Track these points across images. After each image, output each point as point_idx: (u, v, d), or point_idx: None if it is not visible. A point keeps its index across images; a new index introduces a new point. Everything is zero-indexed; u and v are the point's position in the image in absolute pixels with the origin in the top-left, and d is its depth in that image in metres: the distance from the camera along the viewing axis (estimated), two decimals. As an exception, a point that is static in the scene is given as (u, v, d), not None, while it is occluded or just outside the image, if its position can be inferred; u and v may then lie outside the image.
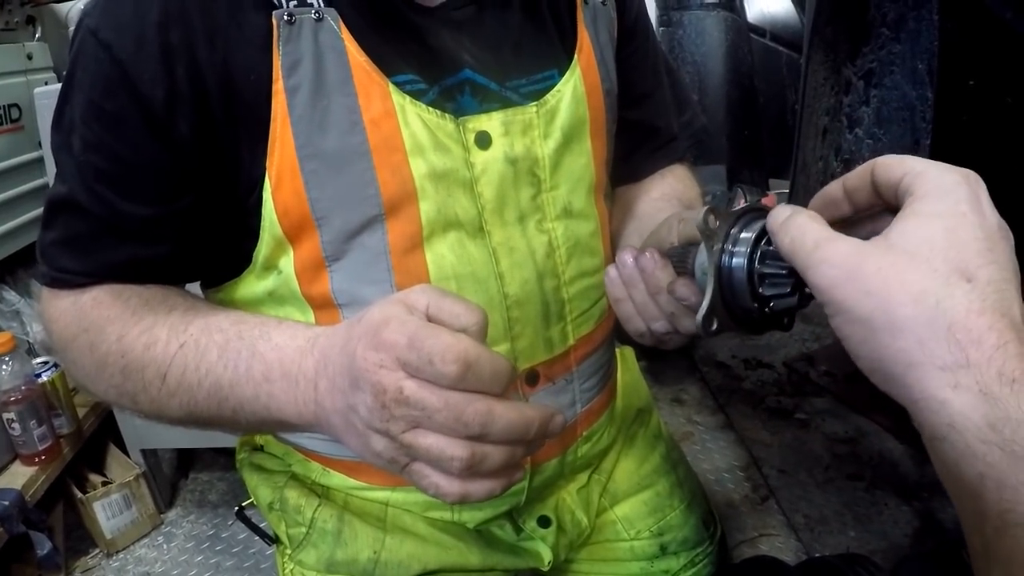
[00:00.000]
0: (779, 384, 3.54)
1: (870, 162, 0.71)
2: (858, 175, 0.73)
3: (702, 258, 0.86)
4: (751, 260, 0.81)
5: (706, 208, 0.82)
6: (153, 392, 0.95)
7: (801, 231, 0.68)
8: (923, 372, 0.58)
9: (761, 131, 2.61)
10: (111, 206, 0.96)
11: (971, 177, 0.65)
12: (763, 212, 0.83)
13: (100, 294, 1.00)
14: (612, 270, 0.99)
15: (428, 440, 0.71)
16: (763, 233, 0.80)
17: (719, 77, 2.60)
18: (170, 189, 0.98)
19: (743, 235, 0.82)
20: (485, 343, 0.74)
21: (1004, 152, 1.54)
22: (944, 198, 0.63)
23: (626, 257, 0.97)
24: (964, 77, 1.51)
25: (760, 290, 0.81)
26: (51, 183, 1.04)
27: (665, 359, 3.76)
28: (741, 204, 2.08)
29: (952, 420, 0.56)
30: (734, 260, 0.82)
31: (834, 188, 0.76)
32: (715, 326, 0.85)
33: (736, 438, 3.19)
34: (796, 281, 0.78)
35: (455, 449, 0.70)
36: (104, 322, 0.98)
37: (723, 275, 0.83)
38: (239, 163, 0.98)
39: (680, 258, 0.93)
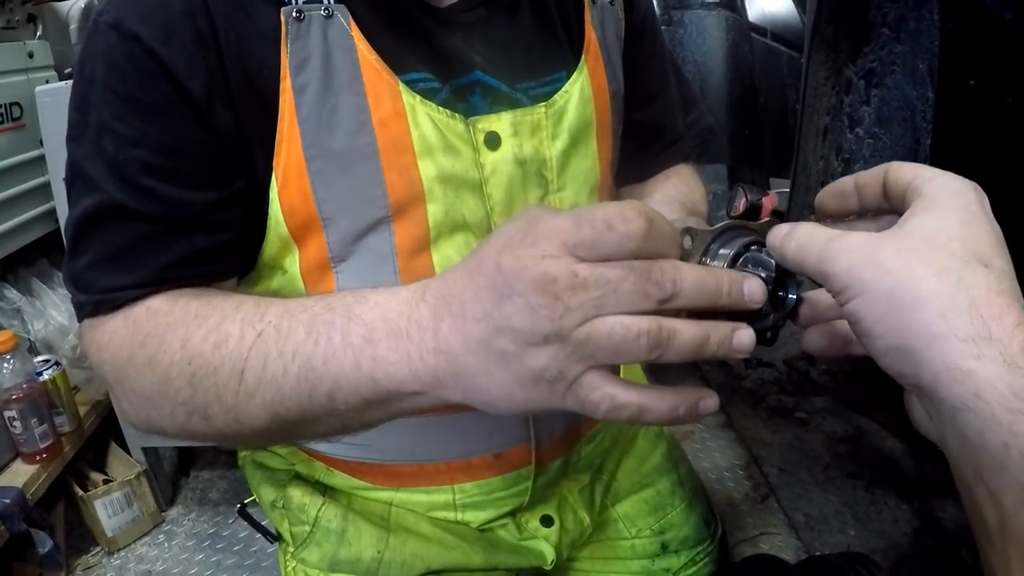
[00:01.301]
0: (779, 383, 3.54)
1: (885, 165, 0.72)
2: (872, 174, 0.73)
3: None
4: None
5: (683, 228, 0.82)
6: (229, 398, 0.83)
7: (808, 235, 0.68)
8: (947, 344, 0.58)
9: (762, 130, 2.61)
10: (166, 199, 0.91)
11: (978, 188, 0.66)
12: (744, 229, 0.83)
13: (154, 303, 0.91)
14: None
15: (608, 322, 0.61)
16: (742, 251, 0.80)
17: (720, 76, 2.60)
18: (224, 173, 0.94)
19: (722, 251, 0.82)
20: None
21: (1005, 152, 1.54)
22: (956, 198, 0.64)
23: None
24: (965, 77, 1.51)
25: None
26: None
27: (664, 358, 3.77)
28: (742, 203, 2.08)
29: (977, 389, 0.56)
30: None
31: (846, 182, 0.77)
32: None
33: (736, 437, 3.19)
34: (771, 301, 0.78)
35: (641, 323, 0.61)
36: (163, 330, 0.88)
37: None
38: (254, 157, 0.96)
39: None
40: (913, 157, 1.57)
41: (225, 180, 0.95)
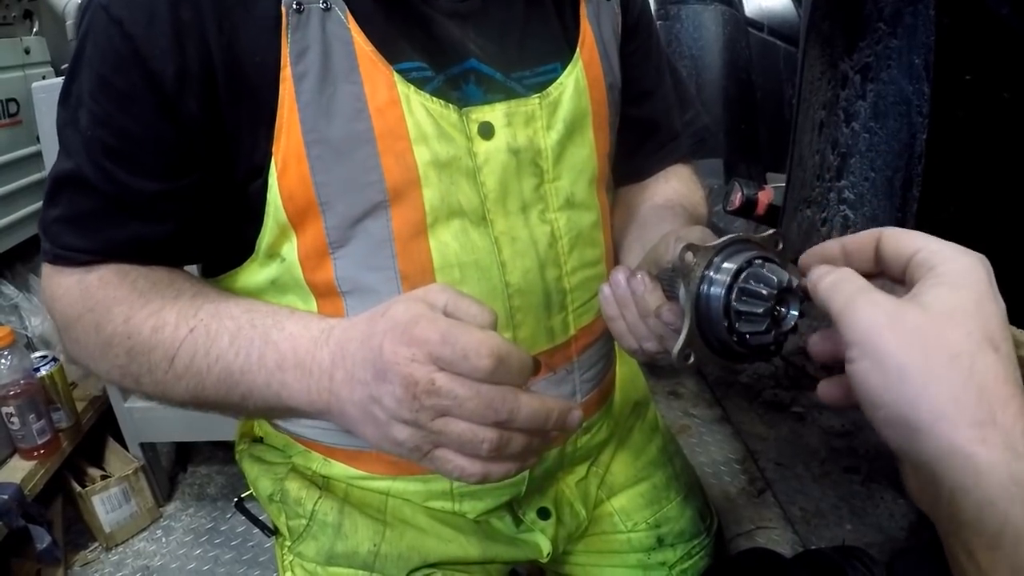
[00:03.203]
0: (776, 377, 3.55)
1: (874, 231, 0.74)
2: (861, 240, 0.75)
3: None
4: (728, 295, 0.82)
5: (684, 244, 0.83)
6: (159, 375, 0.96)
7: (843, 278, 0.70)
8: (953, 426, 0.59)
9: (758, 125, 2.62)
10: (118, 182, 0.96)
11: (985, 261, 0.68)
12: (748, 243, 0.84)
13: (106, 274, 1.00)
14: (606, 288, 1.01)
15: (459, 426, 0.76)
16: (745, 265, 0.81)
17: (716, 71, 2.60)
18: (177, 166, 0.98)
19: (725, 265, 0.82)
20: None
21: (1001, 147, 1.55)
22: (968, 274, 0.65)
23: (619, 277, 1.00)
24: (960, 72, 1.52)
25: (736, 325, 0.82)
26: (51, 161, 1.04)
27: (662, 353, 3.77)
28: (738, 198, 2.08)
29: (978, 473, 0.58)
30: (712, 292, 0.83)
31: (832, 247, 0.78)
32: (691, 359, 0.87)
33: (733, 431, 3.20)
34: (772, 320, 0.79)
35: (485, 432, 0.76)
36: (111, 302, 0.98)
37: (701, 307, 0.84)
38: (239, 145, 0.98)
39: (670, 282, 0.93)
40: (909, 152, 1.57)
41: (177, 173, 0.99)
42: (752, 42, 2.68)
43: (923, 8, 1.49)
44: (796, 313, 0.80)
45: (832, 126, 1.63)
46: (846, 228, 1.70)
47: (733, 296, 0.81)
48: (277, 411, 0.98)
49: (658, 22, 2.73)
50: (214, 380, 0.94)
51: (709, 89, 2.61)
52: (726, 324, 0.82)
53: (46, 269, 1.05)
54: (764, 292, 0.78)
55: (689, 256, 0.82)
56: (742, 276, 0.80)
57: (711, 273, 0.83)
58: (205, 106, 0.95)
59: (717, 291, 0.82)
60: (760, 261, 0.82)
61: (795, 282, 0.78)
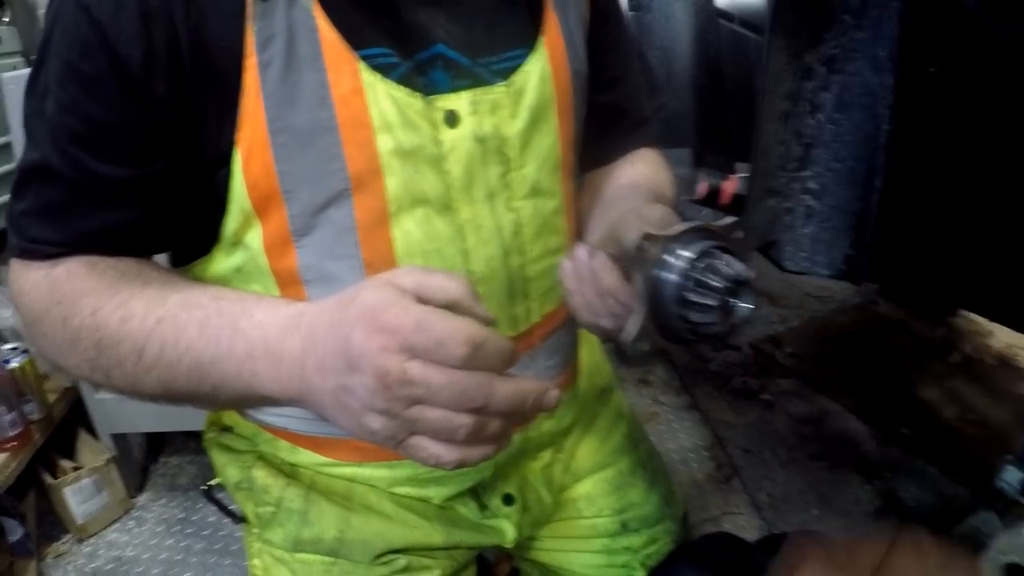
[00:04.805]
0: (745, 365, 3.58)
1: None
2: None
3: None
4: (681, 284, 0.82)
5: (643, 233, 0.83)
6: (129, 367, 0.94)
7: None
8: None
9: (728, 115, 2.63)
10: (84, 168, 0.96)
11: None
12: (706, 231, 0.85)
13: (74, 266, 0.99)
14: (567, 263, 1.02)
15: (434, 414, 0.75)
16: (700, 255, 0.81)
17: (686, 61, 2.61)
18: (144, 152, 0.98)
19: (681, 253, 0.83)
20: (480, 303, 0.79)
21: (966, 138, 1.57)
22: None
23: (581, 252, 1.00)
24: (926, 64, 1.54)
25: (687, 315, 0.83)
26: (21, 153, 1.03)
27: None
28: (703, 187, 2.10)
29: None
30: (666, 280, 0.84)
31: None
32: (643, 343, 0.88)
33: (701, 418, 3.23)
34: (723, 311, 0.80)
35: (461, 418, 0.75)
36: (78, 295, 0.97)
37: (654, 294, 0.85)
38: (206, 131, 0.98)
39: (628, 265, 0.94)
40: (873, 143, 1.59)
41: (145, 159, 0.98)
42: (723, 33, 2.68)
43: (889, 1, 1.50)
44: (749, 305, 0.81)
45: (797, 117, 1.64)
46: (810, 217, 1.72)
47: (686, 286, 0.82)
48: (250, 400, 0.98)
49: (630, 12, 2.73)
50: (184, 371, 0.92)
51: (679, 79, 2.61)
52: (678, 313, 0.83)
53: (13, 264, 1.04)
54: (717, 284, 0.79)
55: (647, 243, 0.83)
56: (696, 266, 0.81)
57: (667, 260, 0.83)
58: (173, 90, 0.95)
59: (671, 280, 0.83)
60: (716, 251, 0.82)
61: (750, 274, 0.79)
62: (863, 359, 3.70)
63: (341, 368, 0.78)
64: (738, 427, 3.17)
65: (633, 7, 2.72)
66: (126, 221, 1.01)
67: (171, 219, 1.06)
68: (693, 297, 0.82)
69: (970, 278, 1.74)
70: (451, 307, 0.78)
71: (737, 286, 0.80)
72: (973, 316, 3.57)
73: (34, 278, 1.00)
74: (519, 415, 0.80)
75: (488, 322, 0.79)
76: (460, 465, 0.79)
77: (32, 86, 0.99)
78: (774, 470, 2.91)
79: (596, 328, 1.02)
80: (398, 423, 0.77)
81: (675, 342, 0.89)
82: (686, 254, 0.82)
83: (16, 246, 1.02)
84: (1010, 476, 2.15)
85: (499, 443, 0.81)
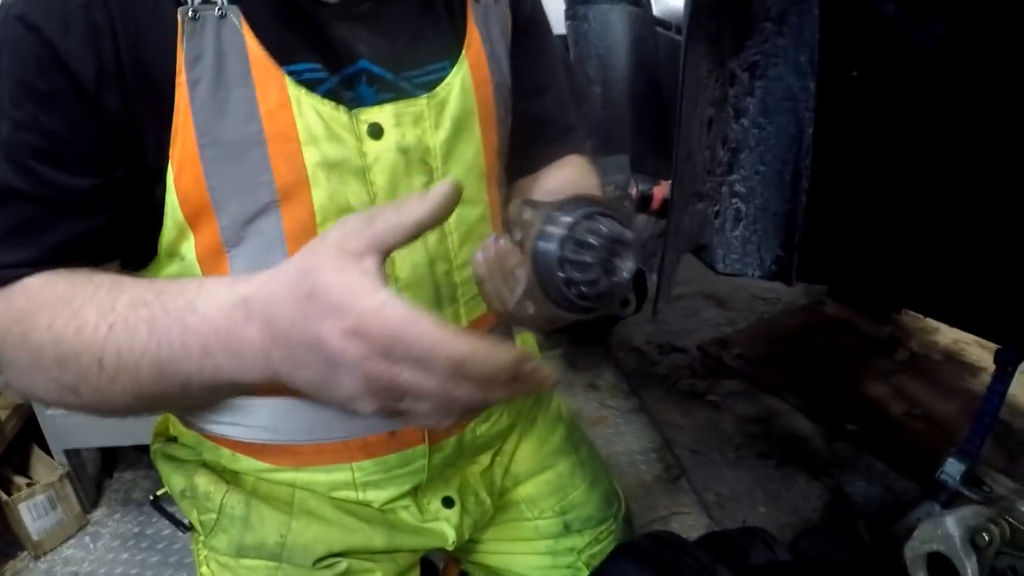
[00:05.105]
0: (692, 368, 3.62)
1: None
2: None
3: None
4: (561, 245, 0.83)
5: (520, 200, 0.85)
6: (93, 380, 0.91)
7: None
8: None
9: (666, 122, 2.66)
10: (50, 182, 0.96)
11: None
12: (591, 201, 0.86)
13: (30, 282, 0.97)
14: (479, 253, 1.01)
15: (426, 405, 0.74)
16: (580, 218, 0.83)
17: (623, 70, 2.63)
18: (106, 161, 0.99)
19: (562, 218, 0.84)
20: (430, 203, 0.78)
21: (888, 139, 1.61)
22: None
23: (489, 241, 1.00)
24: (847, 68, 1.57)
25: (569, 275, 0.83)
26: None
27: (580, 346, 3.83)
28: (633, 192, 2.13)
29: None
30: (547, 244, 0.84)
31: None
32: (531, 311, 0.89)
33: (649, 420, 3.25)
34: (604, 270, 0.81)
35: (453, 406, 0.74)
36: (35, 309, 0.94)
37: (538, 259, 0.85)
38: (146, 146, 1.00)
39: (513, 232, 0.94)
40: (797, 146, 1.62)
41: (107, 168, 0.99)
42: (660, 41, 2.71)
43: (808, 7, 1.54)
44: (631, 264, 0.81)
45: (721, 122, 1.67)
46: (739, 220, 1.75)
47: (566, 246, 0.82)
48: (225, 390, 0.95)
49: (567, 22, 2.76)
50: (146, 375, 0.88)
51: (617, 87, 2.64)
52: (561, 275, 0.83)
53: None
54: (594, 242, 0.80)
55: (528, 212, 0.84)
56: (576, 228, 0.82)
57: (547, 227, 0.84)
58: (124, 104, 0.97)
59: (551, 243, 0.83)
60: (597, 216, 0.84)
61: (628, 235, 0.81)
62: (810, 359, 3.74)
63: (319, 364, 0.76)
64: (686, 428, 3.20)
65: (570, 17, 2.75)
66: (93, 229, 1.01)
67: (130, 225, 1.06)
68: (572, 256, 0.82)
69: (904, 276, 1.78)
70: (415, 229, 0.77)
71: (616, 245, 0.81)
72: (919, 313, 3.62)
73: None
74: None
75: (451, 197, 0.78)
76: (450, 427, 0.83)
77: None
78: (722, 470, 2.94)
79: (507, 315, 1.01)
80: (391, 411, 0.77)
81: (563, 308, 0.89)
82: (566, 218, 0.83)
83: None
84: (951, 468, 2.20)
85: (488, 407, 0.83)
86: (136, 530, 2.87)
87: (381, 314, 0.71)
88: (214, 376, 0.85)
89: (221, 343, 0.83)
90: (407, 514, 1.34)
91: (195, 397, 0.93)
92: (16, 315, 0.95)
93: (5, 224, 0.97)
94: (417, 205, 0.77)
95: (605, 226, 0.81)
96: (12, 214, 0.97)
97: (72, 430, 2.76)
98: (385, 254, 0.76)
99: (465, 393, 0.73)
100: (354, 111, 1.06)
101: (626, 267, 0.81)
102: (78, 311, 0.91)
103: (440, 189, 0.78)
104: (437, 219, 0.78)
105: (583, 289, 0.82)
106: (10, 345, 0.96)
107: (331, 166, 1.05)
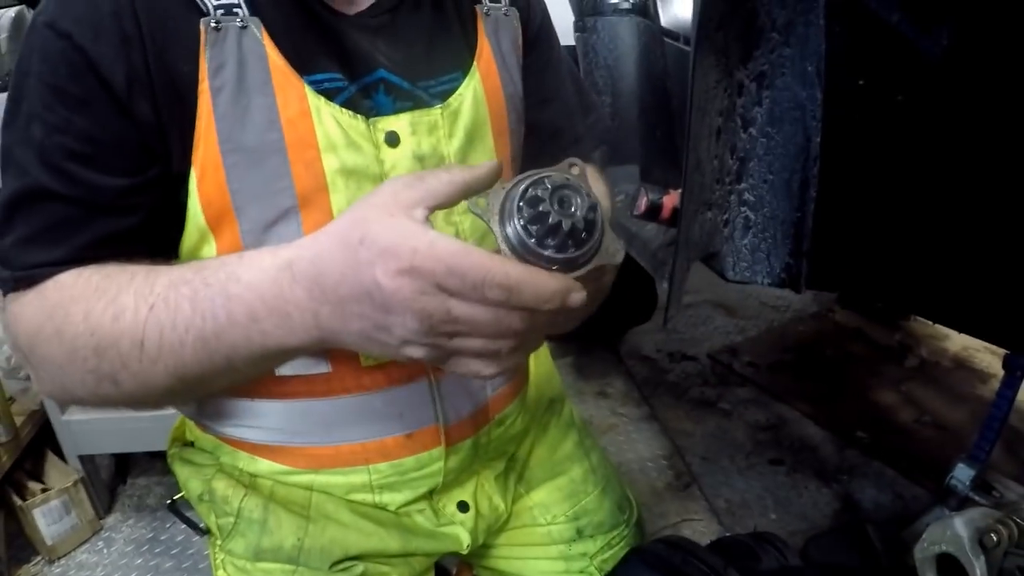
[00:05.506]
0: (703, 376, 3.62)
1: None
2: None
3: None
4: (519, 213, 0.82)
5: (478, 195, 0.86)
6: (134, 365, 0.92)
7: None
8: None
9: (674, 132, 2.67)
10: (84, 183, 0.98)
11: None
12: (537, 173, 0.87)
13: (62, 278, 0.98)
14: None
15: (477, 343, 0.78)
16: (527, 187, 0.83)
17: (632, 80, 2.65)
18: (138, 161, 1.01)
19: (511, 192, 0.85)
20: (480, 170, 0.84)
21: (895, 147, 1.62)
22: None
23: None
24: (853, 78, 1.59)
25: (533, 236, 0.84)
26: None
27: (590, 354, 3.83)
28: (643, 202, 2.15)
29: None
30: (506, 222, 0.83)
31: None
32: None
33: (660, 428, 3.26)
34: (562, 211, 0.82)
35: (503, 343, 0.79)
36: (68, 302, 0.95)
37: (507, 240, 0.86)
38: (172, 150, 1.02)
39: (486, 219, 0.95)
40: (805, 155, 1.63)
41: (140, 168, 1.01)
42: (669, 52, 2.72)
43: (814, 18, 1.55)
44: (580, 201, 0.82)
45: (730, 132, 1.68)
46: (748, 228, 1.76)
47: (522, 213, 0.83)
48: (270, 359, 0.95)
49: (576, 33, 2.79)
50: (191, 352, 0.90)
51: (625, 98, 2.65)
52: (531, 240, 0.83)
53: (7, 302, 1.02)
54: (542, 195, 0.82)
55: (483, 201, 0.85)
56: (524, 194, 0.83)
57: (504, 205, 0.86)
58: (153, 109, 0.99)
59: (511, 217, 0.85)
60: (542, 179, 0.85)
61: (571, 180, 0.82)
62: (820, 366, 3.75)
63: (370, 312, 0.78)
64: (696, 436, 3.21)
65: (579, 28, 2.77)
66: (124, 228, 1.02)
67: (163, 223, 1.07)
68: (529, 215, 0.81)
69: (917, 284, 1.79)
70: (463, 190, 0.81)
71: (563, 191, 0.81)
72: (928, 320, 3.63)
73: (26, 300, 0.99)
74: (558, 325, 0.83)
75: (494, 170, 0.84)
76: (499, 375, 0.83)
77: (12, 117, 1.00)
78: (732, 477, 2.95)
79: None
80: (440, 353, 0.80)
81: (550, 267, 0.90)
82: (513, 191, 0.83)
83: (9, 279, 1.00)
84: (961, 473, 2.21)
85: (536, 348, 0.85)
86: (150, 535, 2.88)
87: (433, 250, 0.74)
88: (261, 344, 0.87)
89: (268, 307, 0.85)
90: (422, 518, 1.36)
91: (239, 372, 0.94)
92: (49, 310, 0.96)
93: (38, 224, 0.99)
94: (466, 169, 0.82)
95: (548, 182, 0.82)
96: (45, 214, 0.99)
97: (86, 436, 2.78)
98: (432, 210, 0.80)
99: (515, 322, 0.76)
100: (372, 120, 1.08)
101: (576, 204, 0.82)
102: (115, 298, 0.93)
103: (486, 164, 0.84)
104: (482, 186, 0.83)
105: (550, 240, 0.82)
106: (43, 342, 0.97)
107: (349, 173, 1.07)
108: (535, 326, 0.78)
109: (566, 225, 0.80)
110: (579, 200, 0.81)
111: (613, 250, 0.86)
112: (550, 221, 0.79)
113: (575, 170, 0.86)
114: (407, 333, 0.78)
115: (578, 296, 0.78)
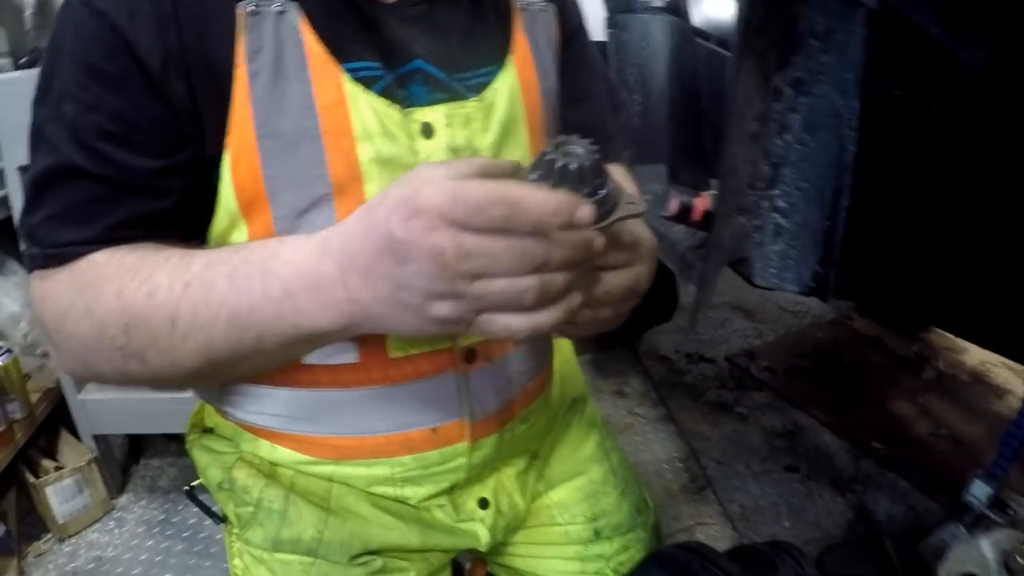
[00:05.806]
0: (720, 378, 3.62)
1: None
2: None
3: None
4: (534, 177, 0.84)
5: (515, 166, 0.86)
6: (163, 343, 0.93)
7: None
8: None
9: (703, 132, 2.66)
10: (116, 162, 0.97)
11: None
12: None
13: (95, 256, 0.98)
14: None
15: (499, 284, 0.76)
16: (549, 149, 0.84)
17: (662, 79, 2.63)
18: (171, 143, 1.00)
19: (529, 175, 0.85)
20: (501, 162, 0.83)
21: (929, 159, 1.61)
22: None
23: None
24: (891, 87, 1.58)
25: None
26: (9, 155, 1.01)
27: (609, 352, 3.83)
28: (674, 203, 2.14)
29: None
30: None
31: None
32: None
33: (676, 430, 3.25)
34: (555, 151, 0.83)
35: (526, 281, 0.76)
36: (100, 281, 0.96)
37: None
38: (205, 133, 1.02)
39: None
40: (839, 163, 1.63)
41: (172, 150, 1.01)
42: (699, 51, 2.71)
43: (853, 26, 1.54)
44: (587, 149, 0.83)
45: (765, 137, 1.68)
46: (778, 235, 1.75)
47: (535, 168, 0.84)
48: (298, 342, 0.94)
49: (607, 30, 2.77)
50: (222, 328, 0.91)
51: (655, 96, 2.64)
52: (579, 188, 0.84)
53: (34, 279, 1.03)
54: (547, 150, 0.82)
55: (524, 170, 0.86)
56: (547, 155, 0.84)
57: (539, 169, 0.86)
58: (188, 92, 0.99)
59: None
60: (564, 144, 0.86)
61: (570, 136, 0.84)
62: (837, 374, 3.73)
63: (389, 267, 0.79)
64: (712, 439, 3.21)
65: (611, 25, 2.76)
66: (157, 210, 1.02)
67: (196, 206, 1.07)
68: (539, 170, 0.83)
69: (939, 296, 1.79)
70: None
71: (558, 145, 0.84)
72: (947, 332, 3.62)
73: (57, 280, 0.99)
74: (579, 262, 0.80)
75: (513, 166, 0.83)
76: (533, 332, 0.80)
77: (44, 94, 1.00)
78: (747, 482, 2.95)
79: None
80: (464, 303, 0.78)
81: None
82: (547, 156, 0.84)
83: (39, 256, 1.01)
84: (978, 490, 2.19)
85: (568, 303, 0.82)
86: (161, 517, 2.89)
87: (437, 185, 0.75)
88: (294, 321, 0.88)
89: (303, 282, 0.87)
90: (442, 513, 1.35)
91: (266, 354, 0.95)
92: (82, 288, 0.97)
93: (70, 202, 0.99)
94: (489, 161, 0.82)
95: (552, 143, 0.83)
96: (77, 193, 0.98)
97: (101, 416, 2.79)
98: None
99: (529, 248, 0.75)
100: (407, 110, 1.08)
101: (578, 153, 0.82)
102: (149, 277, 0.93)
103: (506, 161, 0.84)
104: (501, 176, 0.81)
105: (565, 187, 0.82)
106: (72, 320, 0.97)
107: (384, 162, 1.06)
108: (554, 260, 0.77)
109: (572, 165, 0.81)
110: (581, 150, 0.82)
111: (632, 206, 0.87)
112: (556, 165, 0.80)
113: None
114: (427, 282, 0.77)
115: (585, 212, 0.77)
